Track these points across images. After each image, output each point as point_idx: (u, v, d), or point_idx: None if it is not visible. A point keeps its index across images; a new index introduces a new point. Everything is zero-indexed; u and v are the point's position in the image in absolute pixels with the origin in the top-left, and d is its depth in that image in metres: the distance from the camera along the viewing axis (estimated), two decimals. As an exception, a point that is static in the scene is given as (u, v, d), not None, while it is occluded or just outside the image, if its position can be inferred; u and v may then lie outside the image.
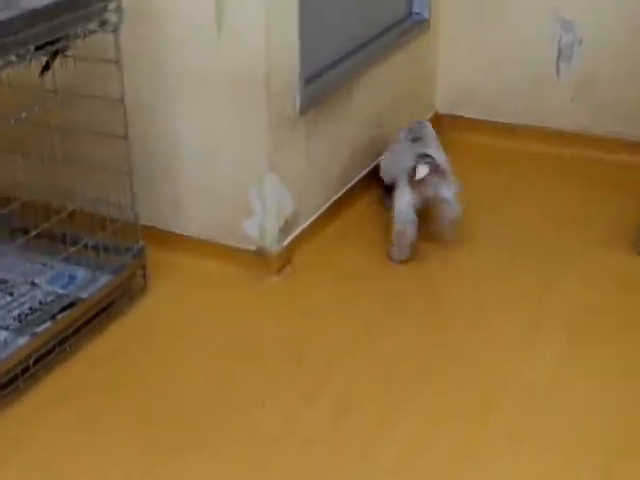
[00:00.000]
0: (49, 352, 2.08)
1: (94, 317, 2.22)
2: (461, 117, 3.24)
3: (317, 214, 2.66)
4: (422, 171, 2.40)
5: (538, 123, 3.08)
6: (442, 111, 3.28)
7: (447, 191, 2.46)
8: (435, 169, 2.42)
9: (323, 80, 2.55)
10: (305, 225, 2.61)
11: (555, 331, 2.22)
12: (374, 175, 2.84)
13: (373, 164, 2.90)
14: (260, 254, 2.49)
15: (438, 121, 3.13)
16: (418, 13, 3.07)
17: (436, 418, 1.95)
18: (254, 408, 2.00)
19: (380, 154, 2.89)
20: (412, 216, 2.44)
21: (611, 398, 1.99)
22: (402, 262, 2.49)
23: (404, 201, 2.44)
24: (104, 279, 2.27)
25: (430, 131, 2.72)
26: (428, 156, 2.44)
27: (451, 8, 3.15)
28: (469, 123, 3.21)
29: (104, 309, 2.25)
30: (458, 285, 2.46)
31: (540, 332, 2.21)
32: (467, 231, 2.60)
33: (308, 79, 2.47)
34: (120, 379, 2.09)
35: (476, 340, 2.20)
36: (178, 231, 2.56)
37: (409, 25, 3.03)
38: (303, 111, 2.45)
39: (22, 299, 2.23)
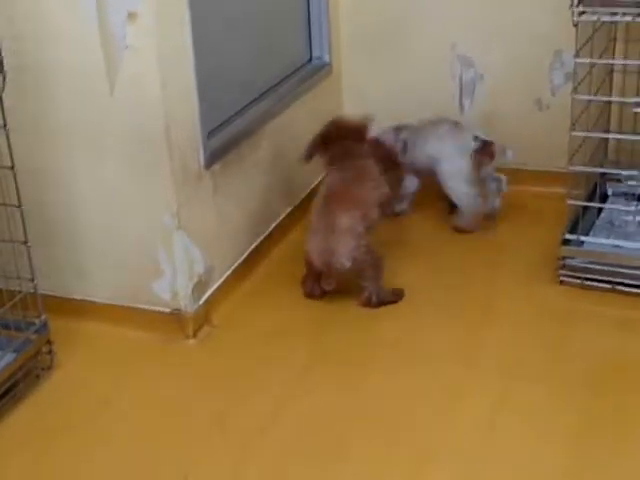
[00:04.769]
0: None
1: (-5, 402, 2.05)
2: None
3: (233, 268, 2.56)
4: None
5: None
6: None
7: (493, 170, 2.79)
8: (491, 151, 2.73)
9: (227, 131, 2.47)
10: (221, 281, 2.50)
11: (489, 372, 2.17)
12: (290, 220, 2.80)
13: (288, 210, 2.85)
14: (174, 316, 2.37)
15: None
16: (319, 58, 3.06)
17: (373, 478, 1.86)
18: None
19: (294, 200, 2.85)
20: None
21: (551, 438, 1.94)
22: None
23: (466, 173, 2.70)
24: (5, 359, 2.10)
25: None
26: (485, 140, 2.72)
27: (351, 50, 3.14)
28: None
29: (6, 392, 2.08)
30: (384, 335, 2.37)
31: (474, 374, 2.16)
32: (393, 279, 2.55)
33: (211, 132, 2.40)
34: (27, 473, 1.92)
35: (408, 388, 2.13)
36: (83, 297, 2.42)
37: (311, 70, 3.00)
38: (208, 165, 2.36)
39: None
